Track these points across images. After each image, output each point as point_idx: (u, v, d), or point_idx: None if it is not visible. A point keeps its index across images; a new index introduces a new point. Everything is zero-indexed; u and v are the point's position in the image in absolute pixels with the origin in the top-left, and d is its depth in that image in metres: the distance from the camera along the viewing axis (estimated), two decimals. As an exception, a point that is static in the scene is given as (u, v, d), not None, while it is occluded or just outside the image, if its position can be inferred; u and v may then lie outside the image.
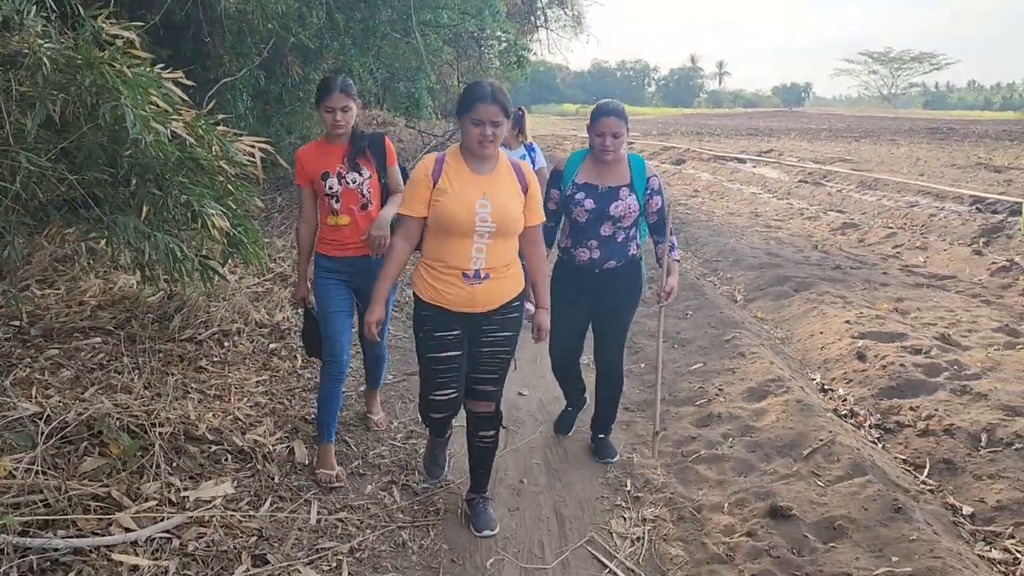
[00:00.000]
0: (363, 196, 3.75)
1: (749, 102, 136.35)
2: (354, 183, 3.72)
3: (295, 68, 9.36)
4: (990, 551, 3.13)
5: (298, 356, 5.15)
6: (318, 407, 3.86)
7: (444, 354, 3.16)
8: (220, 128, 4.64)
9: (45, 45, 4.14)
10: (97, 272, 6.13)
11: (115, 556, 2.80)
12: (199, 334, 5.13)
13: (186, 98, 4.56)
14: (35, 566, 2.64)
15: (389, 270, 3.16)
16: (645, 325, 5.86)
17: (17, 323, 4.99)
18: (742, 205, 13.07)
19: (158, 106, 4.37)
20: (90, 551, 2.80)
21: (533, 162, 5.79)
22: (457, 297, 3.05)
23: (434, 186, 3.00)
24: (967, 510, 3.41)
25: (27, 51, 4.14)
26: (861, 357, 5.09)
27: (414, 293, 3.19)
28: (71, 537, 2.83)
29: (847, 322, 5.73)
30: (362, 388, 4.71)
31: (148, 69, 4.35)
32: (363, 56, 8.66)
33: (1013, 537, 3.18)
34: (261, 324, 5.55)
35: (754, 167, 18.57)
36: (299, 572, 2.95)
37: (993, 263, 7.90)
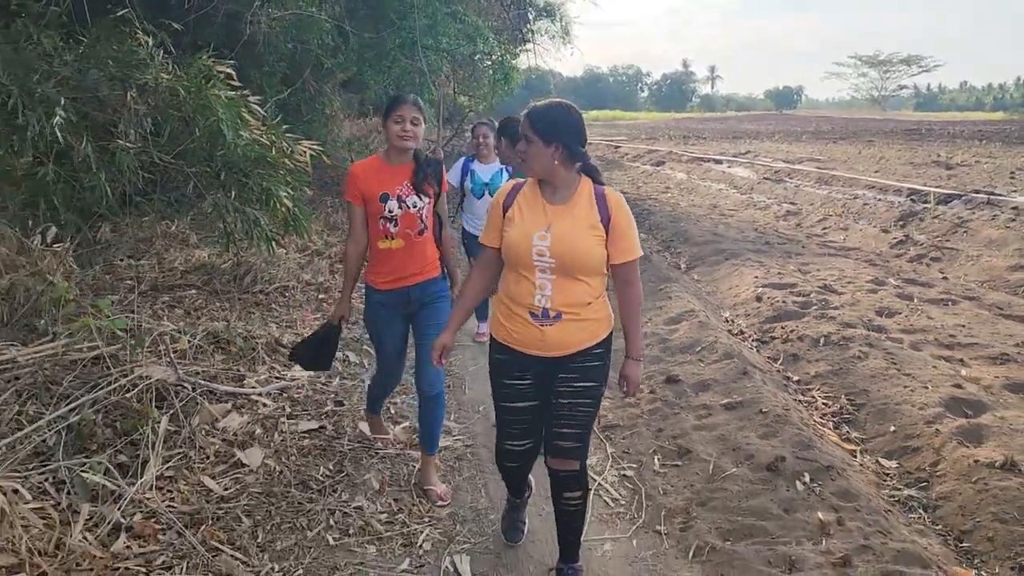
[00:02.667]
0: (421, 221, 3.59)
1: (741, 105, 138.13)
2: (415, 207, 3.55)
3: (311, 84, 11.14)
4: (801, 397, 4.91)
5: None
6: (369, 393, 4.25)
7: (516, 404, 2.96)
8: (287, 135, 6.41)
9: (166, 78, 5.92)
10: (175, 248, 7.90)
11: (252, 397, 4.55)
12: (265, 288, 6.88)
13: (263, 112, 6.33)
14: (208, 397, 4.39)
15: (464, 302, 3.04)
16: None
17: (131, 281, 6.74)
18: (706, 199, 14.85)
19: (243, 119, 6.13)
20: (236, 395, 4.55)
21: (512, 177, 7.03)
22: (526, 338, 2.81)
23: (504, 215, 2.83)
24: (795, 378, 5.20)
25: (153, 82, 5.91)
26: (758, 299, 6.87)
27: (490, 334, 3.04)
28: (226, 385, 4.59)
29: (756, 278, 7.53)
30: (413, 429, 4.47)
31: (237, 94, 6.11)
32: (376, 74, 10.43)
33: (818, 390, 4.96)
34: (309, 283, 7.31)
35: (728, 167, 20.33)
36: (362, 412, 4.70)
37: (894, 239, 9.68)
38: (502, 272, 2.93)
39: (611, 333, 2.90)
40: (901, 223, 10.95)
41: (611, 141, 32.45)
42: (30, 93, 5.21)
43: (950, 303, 6.66)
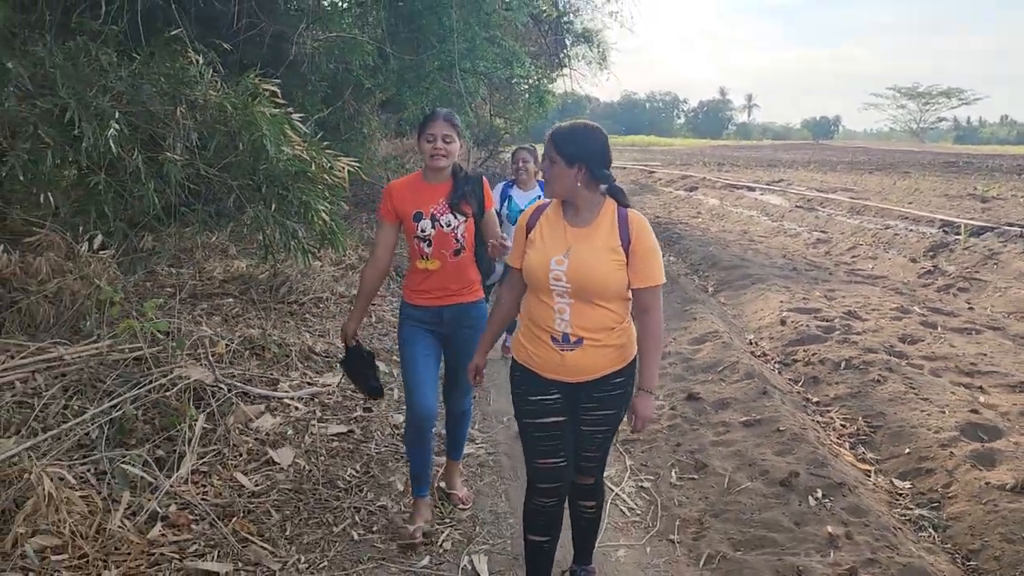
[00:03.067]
0: (457, 241, 3.42)
1: (778, 134, 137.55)
2: (448, 227, 3.39)
3: (350, 103, 11.47)
4: (820, 418, 4.98)
5: (373, 313, 7.09)
6: (409, 461, 3.69)
7: (544, 420, 2.81)
8: (327, 151, 6.65)
9: (214, 95, 6.20)
10: (214, 258, 8.17)
11: (285, 400, 4.74)
12: (300, 299, 7.11)
13: (306, 130, 6.58)
14: (243, 398, 4.58)
15: (494, 323, 3.06)
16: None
17: (171, 288, 7.00)
18: (737, 225, 14.90)
19: (285, 135, 6.38)
20: (270, 397, 4.74)
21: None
22: (547, 362, 2.75)
23: (527, 236, 2.80)
24: (815, 399, 5.27)
25: (202, 98, 6.19)
26: (783, 323, 6.93)
27: (511, 353, 2.95)
28: (260, 388, 4.78)
29: (781, 302, 7.59)
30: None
31: (281, 111, 6.37)
32: (414, 95, 10.72)
33: (837, 412, 5.03)
34: (342, 295, 7.52)
35: (760, 195, 20.35)
36: (392, 416, 4.85)
37: (922, 268, 9.67)
38: (526, 295, 2.87)
39: (635, 359, 2.80)
40: (931, 253, 10.92)
41: (645, 166, 32.59)
42: (86, 106, 5.49)
43: (974, 332, 6.67)
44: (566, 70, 23.48)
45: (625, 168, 31.96)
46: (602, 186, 2.71)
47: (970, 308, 7.74)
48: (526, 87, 17.58)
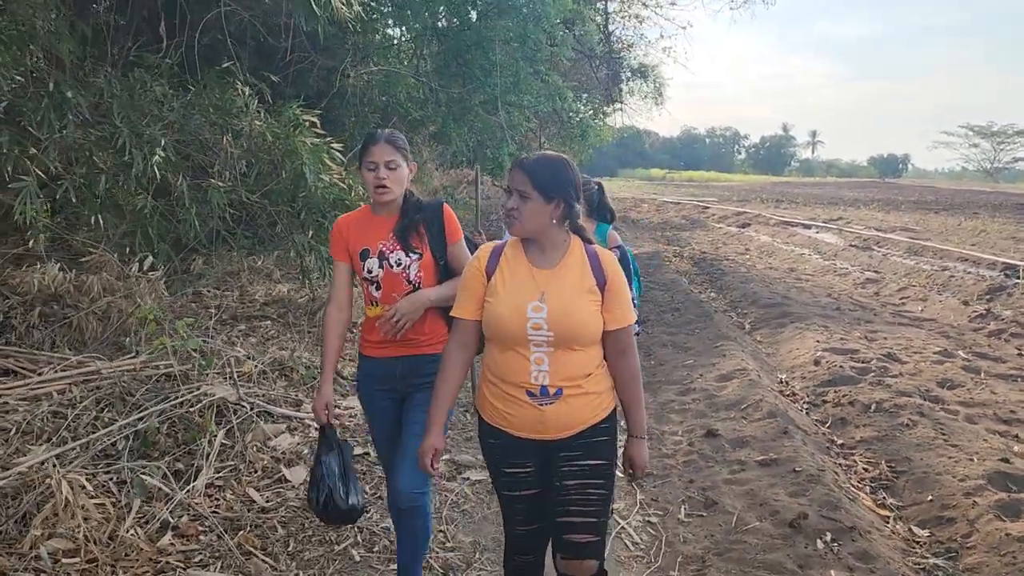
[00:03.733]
0: (410, 283, 2.90)
1: (843, 171, 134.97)
2: (398, 266, 2.89)
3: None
4: (843, 460, 4.88)
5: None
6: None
7: (519, 493, 2.57)
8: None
9: (258, 124, 6.45)
10: (258, 282, 8.43)
11: (306, 421, 4.86)
12: (336, 324, 7.27)
13: (343, 158, 6.80)
14: (264, 417, 4.72)
15: (442, 389, 2.55)
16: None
17: (214, 310, 7.24)
18: (785, 263, 14.67)
19: (324, 164, 6.60)
20: (291, 417, 4.87)
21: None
22: (524, 420, 2.44)
23: (487, 282, 2.47)
24: (839, 441, 5.16)
25: (247, 128, 6.45)
26: (816, 363, 6.81)
27: (477, 413, 2.64)
28: (283, 408, 4.92)
29: (817, 342, 7.45)
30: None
31: (321, 140, 6.59)
32: (459, 127, 10.95)
33: (861, 455, 4.92)
34: (378, 321, 7.68)
35: (815, 232, 20.03)
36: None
37: (974, 312, 9.38)
38: (487, 349, 2.55)
39: (616, 408, 2.56)
40: (987, 297, 10.59)
41: (700, 202, 32.37)
42: (139, 135, 5.79)
43: (1020, 379, 6.45)
44: (619, 105, 23.62)
45: (679, 204, 31.81)
46: (567, 223, 2.46)
47: (1020, 354, 7.48)
48: (577, 120, 17.76)
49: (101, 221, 5.62)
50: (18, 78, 5.35)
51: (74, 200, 5.41)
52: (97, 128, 5.84)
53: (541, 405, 2.41)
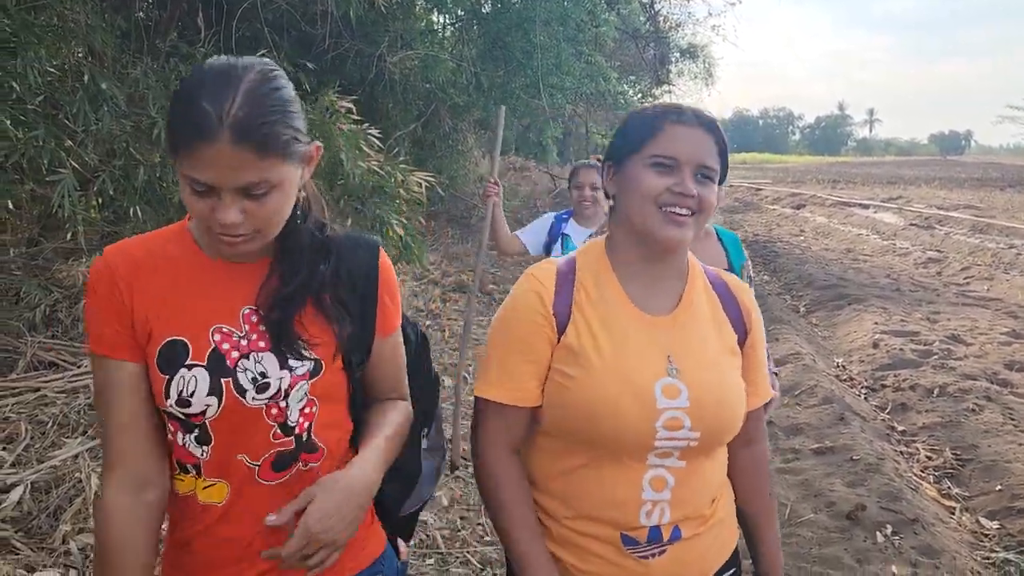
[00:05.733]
0: (287, 430, 1.28)
1: (902, 150, 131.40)
2: (263, 389, 1.25)
3: (446, 120, 11.67)
4: (904, 448, 4.61)
5: (447, 328, 7.11)
6: None
7: None
8: (402, 166, 6.75)
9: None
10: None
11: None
12: (377, 312, 7.23)
13: (380, 145, 6.70)
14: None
15: (514, 519, 1.42)
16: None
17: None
18: (842, 243, 14.20)
19: (361, 151, 6.50)
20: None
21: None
22: None
23: (560, 336, 1.39)
24: (900, 428, 4.89)
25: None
26: (875, 345, 6.51)
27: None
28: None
29: (876, 324, 7.13)
30: None
31: (358, 127, 6.50)
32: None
33: (923, 442, 4.64)
34: (419, 309, 7.60)
35: (873, 212, 19.41)
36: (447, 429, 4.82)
37: (1045, 290, 8.91)
38: (530, 452, 1.49)
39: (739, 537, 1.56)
40: (1058, 275, 10.07)
41: (753, 183, 31.70)
42: (174, 124, 5.77)
43: (1097, 360, 6.06)
44: (667, 86, 23.17)
45: (731, 186, 31.15)
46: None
47: (1095, 334, 7.06)
48: (624, 103, 17.43)
49: (140, 213, 5.61)
50: (55, 71, 5.37)
51: (111, 192, 5.41)
52: (132, 119, 5.84)
53: (645, 557, 1.38)
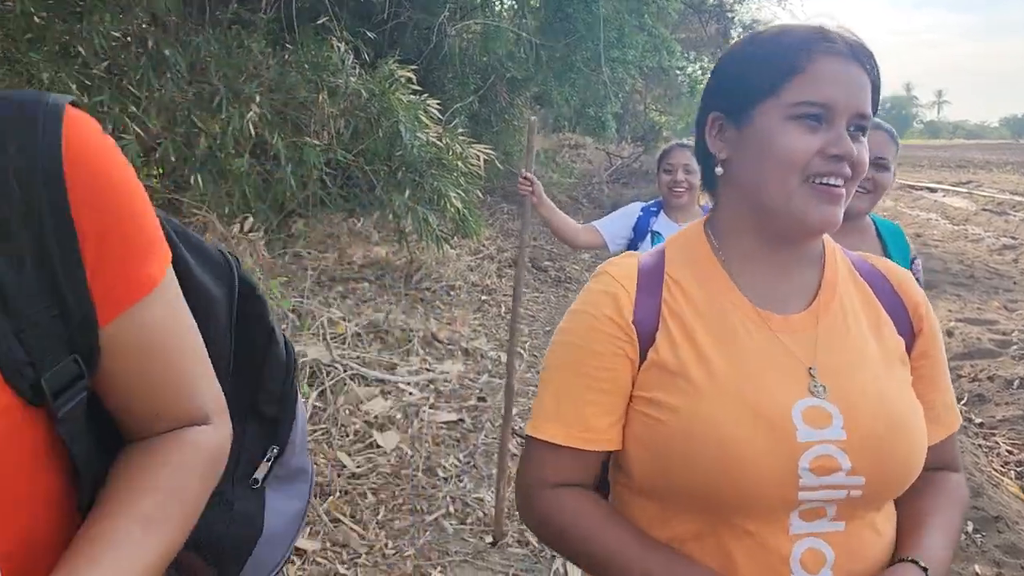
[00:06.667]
0: None
1: (972, 133, 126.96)
2: None
3: (503, 95, 11.51)
4: (983, 442, 4.39)
5: (502, 303, 7.02)
6: None
7: None
8: (460, 139, 6.66)
9: (353, 81, 6.31)
10: (357, 244, 8.41)
11: (400, 385, 4.73)
12: (433, 287, 7.15)
13: (440, 116, 6.61)
14: (358, 380, 4.62)
15: (610, 541, 1.00)
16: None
17: (313, 272, 7.24)
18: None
19: (420, 121, 6.42)
20: (385, 381, 4.75)
21: None
22: None
23: (644, 353, 1.02)
24: (978, 420, 4.65)
25: (343, 85, 6.32)
26: (949, 334, 6.21)
27: None
28: (377, 371, 4.81)
29: (950, 311, 6.82)
30: None
31: (417, 97, 6.41)
32: (560, 86, 10.60)
33: (1004, 436, 4.41)
34: (475, 284, 7.52)
35: (942, 196, 18.71)
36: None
37: None
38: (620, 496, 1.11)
39: None
40: None
41: (813, 165, 30.82)
42: (236, 93, 5.76)
43: None
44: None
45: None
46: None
47: None
48: (685, 79, 17.01)
49: (200, 181, 5.63)
50: (119, 36, 5.38)
51: (173, 159, 5.43)
52: (194, 86, 5.84)
53: None
